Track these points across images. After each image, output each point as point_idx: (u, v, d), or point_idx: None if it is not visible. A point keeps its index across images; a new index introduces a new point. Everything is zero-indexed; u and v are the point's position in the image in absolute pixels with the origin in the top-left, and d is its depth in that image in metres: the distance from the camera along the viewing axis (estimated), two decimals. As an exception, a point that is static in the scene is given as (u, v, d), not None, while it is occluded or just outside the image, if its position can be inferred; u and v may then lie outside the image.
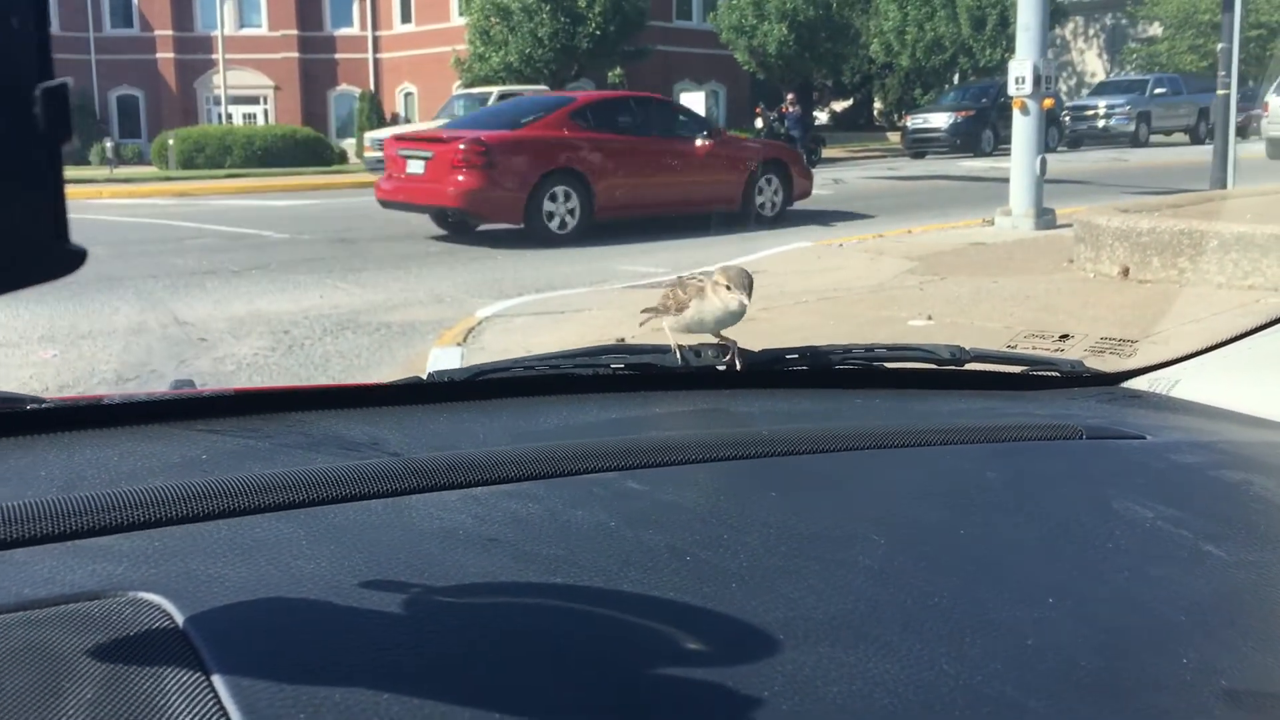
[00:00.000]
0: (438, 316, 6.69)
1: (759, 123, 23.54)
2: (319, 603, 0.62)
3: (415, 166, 10.65)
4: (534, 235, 10.25)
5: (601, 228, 10.51)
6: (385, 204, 11.11)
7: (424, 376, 1.15)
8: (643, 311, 1.25)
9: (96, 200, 17.40)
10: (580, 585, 0.67)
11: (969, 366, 1.24)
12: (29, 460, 0.87)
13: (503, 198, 10.22)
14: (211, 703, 0.52)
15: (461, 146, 10.16)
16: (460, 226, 10.72)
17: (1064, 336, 4.60)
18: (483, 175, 10.13)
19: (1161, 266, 6.87)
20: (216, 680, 0.53)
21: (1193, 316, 5.81)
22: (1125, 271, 7.06)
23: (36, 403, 0.97)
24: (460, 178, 10.11)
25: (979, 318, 6.07)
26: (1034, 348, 4.27)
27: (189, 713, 0.51)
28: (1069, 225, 8.48)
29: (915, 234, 10.07)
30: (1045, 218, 9.88)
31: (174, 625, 0.58)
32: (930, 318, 6.07)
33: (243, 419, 0.99)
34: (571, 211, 10.50)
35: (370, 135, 20.66)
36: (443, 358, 5.53)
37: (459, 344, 5.82)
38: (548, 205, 10.35)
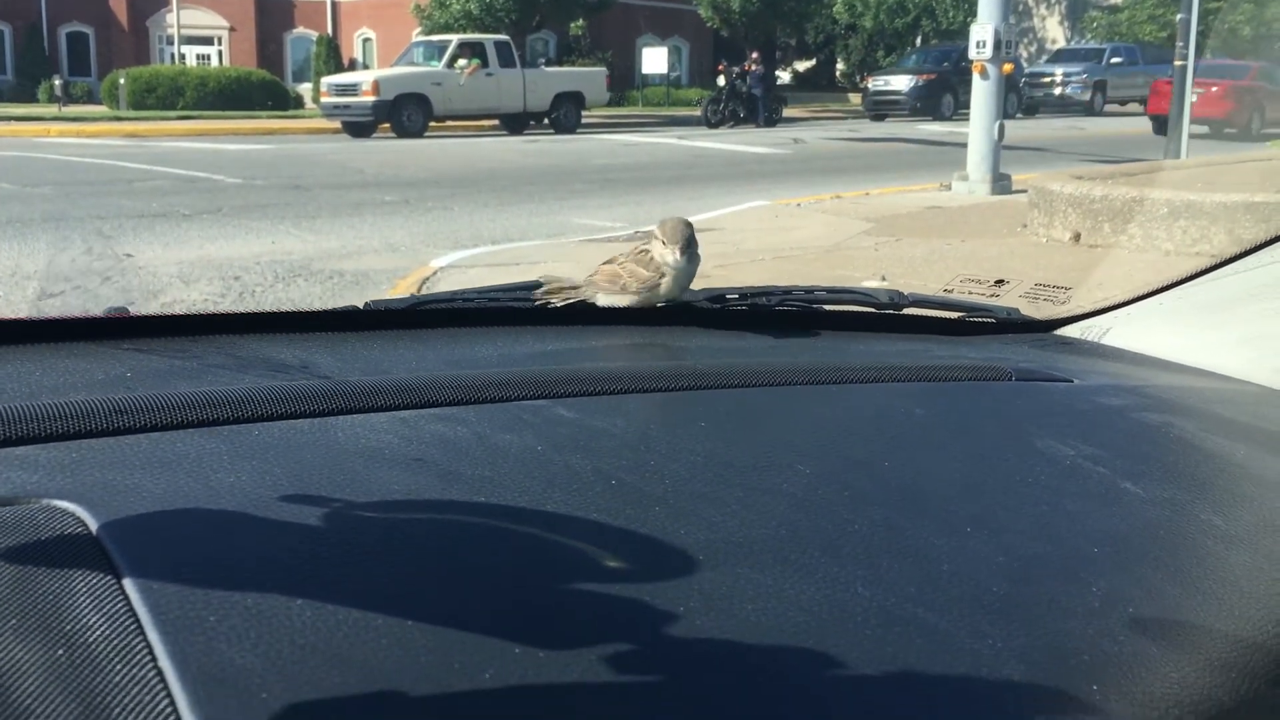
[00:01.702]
0: (392, 265, 6.63)
1: (720, 80, 23.43)
2: (237, 514, 0.62)
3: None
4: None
5: (557, 183, 10.43)
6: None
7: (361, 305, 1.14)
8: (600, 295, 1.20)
9: (45, 139, 16.97)
10: (504, 505, 0.68)
11: (906, 311, 1.26)
12: None
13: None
14: (120, 604, 0.51)
15: None
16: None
17: (999, 282, 4.66)
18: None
19: (1112, 232, 6.96)
20: (127, 583, 0.53)
21: (1135, 280, 5.89)
22: (1077, 237, 7.14)
23: None
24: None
25: (932, 279, 6.12)
26: (970, 293, 4.32)
27: (96, 612, 0.51)
28: (1024, 191, 8.55)
29: (873, 196, 10.11)
30: (1001, 183, 9.95)
31: (87, 532, 0.58)
32: (884, 278, 6.11)
33: (171, 340, 0.97)
34: None
35: (327, 80, 20.32)
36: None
37: (413, 293, 5.77)
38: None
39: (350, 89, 18.77)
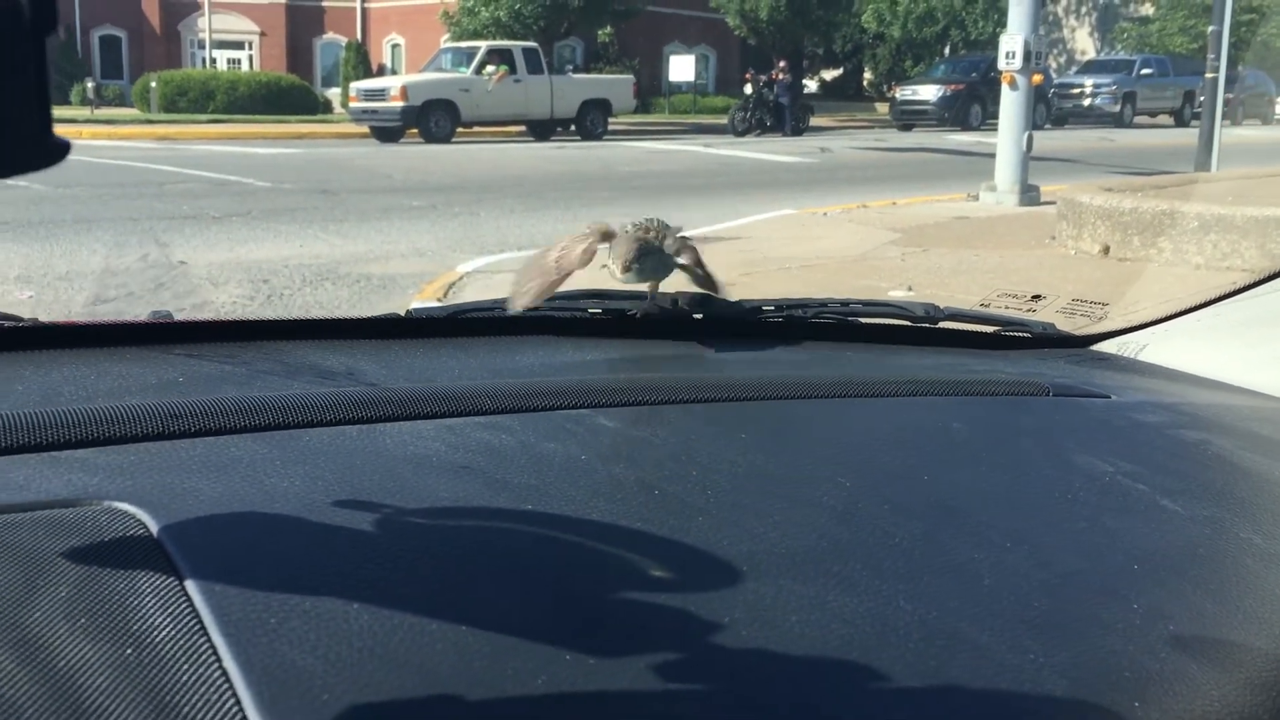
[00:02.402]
0: (418, 270, 6.67)
1: (747, 88, 23.44)
2: (291, 518, 0.63)
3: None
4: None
5: (583, 190, 10.46)
6: None
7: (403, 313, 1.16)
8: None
9: (77, 140, 16.94)
10: (550, 513, 0.69)
11: (942, 324, 1.26)
12: (5, 375, 0.88)
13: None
14: (184, 605, 0.53)
15: None
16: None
17: (1036, 297, 4.66)
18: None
19: (1142, 245, 6.91)
20: (189, 585, 0.54)
21: (1169, 296, 5.86)
22: (1106, 249, 7.10)
23: (14, 320, 0.98)
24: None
25: (959, 290, 6.10)
26: (1007, 307, 4.31)
27: (161, 612, 0.52)
28: (1052, 202, 8.51)
29: (899, 205, 10.08)
30: (1029, 194, 9.90)
31: (148, 534, 0.59)
32: (910, 288, 6.09)
33: (220, 346, 0.99)
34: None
35: (356, 85, 20.44)
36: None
37: (439, 299, 5.80)
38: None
39: (379, 94, 18.88)
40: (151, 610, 0.52)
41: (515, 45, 21.36)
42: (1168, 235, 6.81)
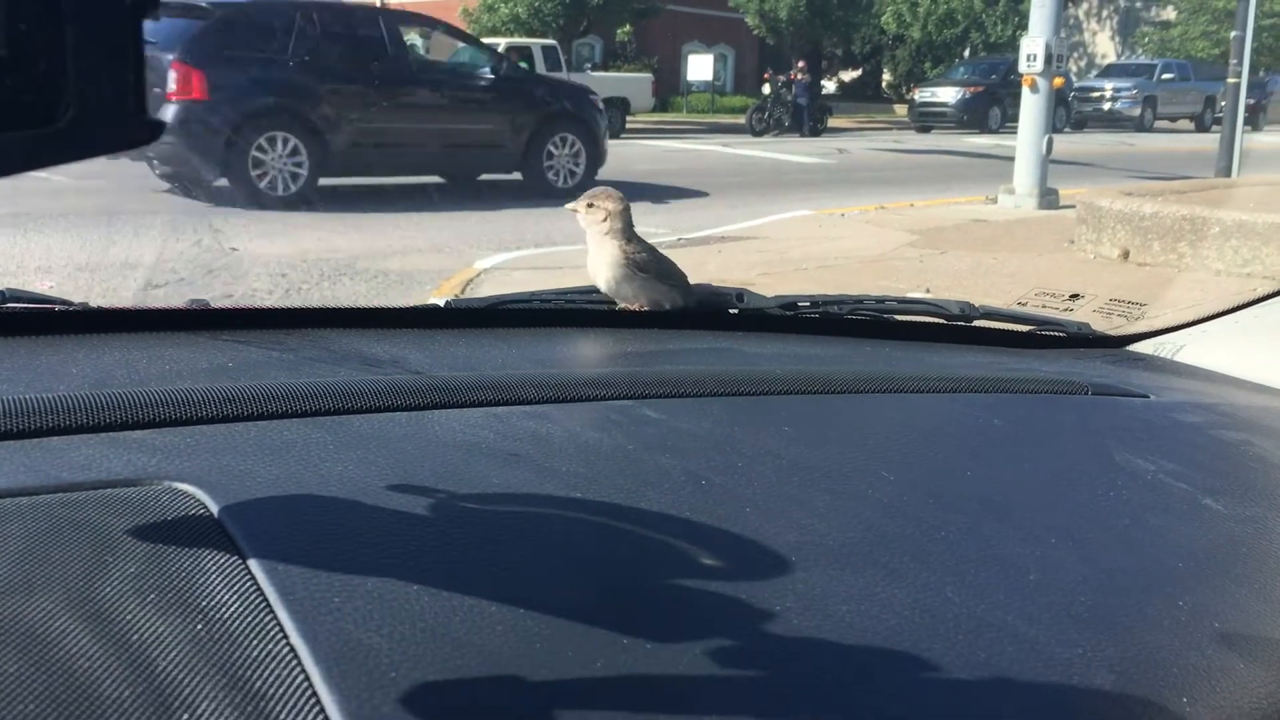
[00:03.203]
0: (436, 266, 6.68)
1: (766, 88, 23.40)
2: (347, 501, 0.64)
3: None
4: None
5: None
6: None
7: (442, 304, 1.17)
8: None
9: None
10: (600, 500, 0.69)
11: (977, 323, 1.26)
12: (59, 358, 0.89)
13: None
14: (249, 583, 0.53)
15: None
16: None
17: (1074, 296, 4.65)
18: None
19: (1162, 251, 6.88)
20: (252, 564, 0.55)
21: (1190, 301, 5.83)
22: (1125, 254, 7.07)
23: (66, 304, 0.99)
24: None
25: (978, 293, 6.09)
26: (1044, 305, 4.31)
27: (227, 590, 0.53)
28: (1072, 206, 8.48)
29: (917, 207, 10.06)
30: (1049, 198, 9.87)
31: (209, 513, 0.60)
32: (929, 290, 6.08)
33: (266, 333, 1.00)
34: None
35: None
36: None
37: (458, 294, 5.82)
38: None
39: None
40: (218, 588, 0.53)
41: (534, 43, 21.33)
42: (1188, 241, 6.78)
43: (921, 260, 7.20)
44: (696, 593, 0.60)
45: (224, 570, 0.54)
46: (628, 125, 21.17)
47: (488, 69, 10.15)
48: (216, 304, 1.13)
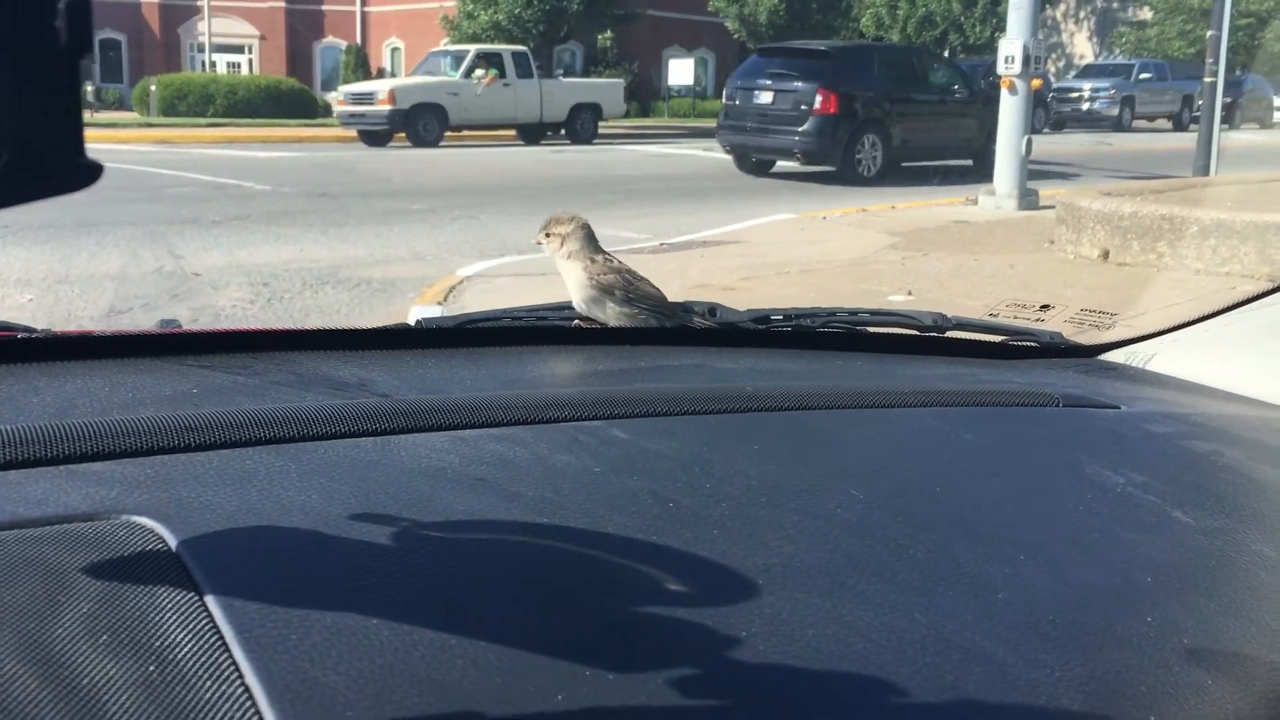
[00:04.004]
0: (418, 274, 6.67)
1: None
2: (309, 532, 0.63)
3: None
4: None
5: (582, 194, 10.47)
6: None
7: (412, 324, 1.16)
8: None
9: (75, 144, 17.04)
10: (566, 526, 0.69)
11: (950, 334, 1.26)
12: (20, 387, 0.88)
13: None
14: (205, 621, 0.53)
15: None
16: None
17: (1045, 306, 4.67)
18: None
19: (1141, 250, 6.92)
20: (209, 600, 0.54)
21: (1168, 300, 5.87)
22: (1105, 254, 7.11)
23: (28, 332, 0.98)
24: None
25: (959, 294, 6.11)
26: (1015, 316, 4.32)
27: (182, 629, 0.52)
28: (1051, 207, 8.52)
29: (899, 209, 10.10)
30: (1028, 198, 9.92)
31: (166, 548, 0.59)
32: (910, 293, 6.10)
33: (232, 356, 0.99)
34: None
35: (344, 89, 20.03)
36: (423, 315, 5.50)
37: (439, 303, 5.81)
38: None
39: (366, 98, 18.56)
40: (173, 626, 0.52)
41: (505, 49, 21.07)
42: (1167, 240, 6.82)
43: (903, 262, 7.22)
44: (661, 620, 0.60)
45: (179, 608, 0.54)
46: (600, 131, 21.04)
47: (957, 85, 14.53)
48: (197, 320, 1.12)
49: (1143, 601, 0.70)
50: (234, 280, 6.25)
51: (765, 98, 13.09)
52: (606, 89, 22.07)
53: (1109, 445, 0.97)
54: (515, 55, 20.52)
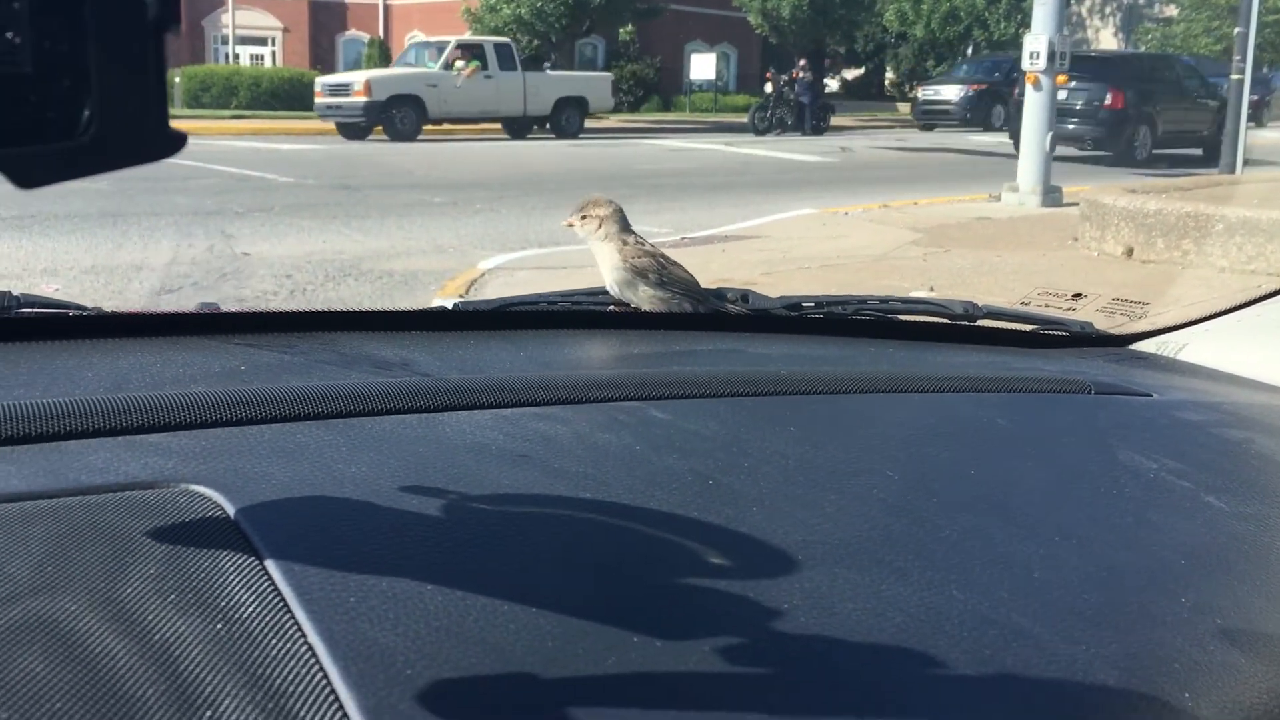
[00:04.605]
0: (440, 267, 6.69)
1: (768, 87, 23.37)
2: (361, 503, 0.65)
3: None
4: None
5: (604, 188, 10.49)
6: None
7: (450, 306, 1.18)
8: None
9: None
10: (609, 501, 0.70)
11: (981, 322, 1.27)
12: (75, 362, 0.90)
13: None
14: (266, 583, 0.54)
15: None
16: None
17: (1076, 296, 4.66)
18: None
19: (1166, 248, 6.88)
20: (269, 564, 0.56)
21: (1193, 298, 5.83)
22: (1129, 251, 7.07)
23: (80, 310, 1.00)
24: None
25: (981, 291, 6.09)
26: (1047, 305, 4.32)
27: (245, 590, 0.54)
28: (1075, 204, 8.48)
29: (921, 205, 10.07)
30: (1052, 195, 9.87)
31: (225, 515, 0.61)
32: (932, 289, 6.08)
33: (276, 336, 1.01)
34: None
35: (321, 80, 19.16)
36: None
37: (461, 295, 5.83)
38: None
39: (343, 89, 17.96)
40: (236, 588, 0.54)
41: (487, 40, 20.56)
42: (1192, 238, 6.78)
43: (925, 258, 7.20)
44: (705, 591, 0.61)
45: (241, 571, 0.55)
46: (586, 126, 20.49)
47: (1198, 87, 17.20)
48: (226, 307, 1.15)
49: (1177, 583, 0.71)
50: (257, 272, 6.30)
51: (1060, 94, 15.69)
52: (593, 82, 21.52)
53: (1141, 432, 0.97)
54: (498, 47, 20.02)
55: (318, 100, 18.88)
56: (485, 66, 19.31)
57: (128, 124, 0.39)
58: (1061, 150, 15.04)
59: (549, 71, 21.82)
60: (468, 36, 21.71)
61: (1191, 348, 1.28)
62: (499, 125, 19.85)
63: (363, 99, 17.64)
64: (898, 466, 0.82)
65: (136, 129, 0.39)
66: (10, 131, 0.37)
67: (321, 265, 6.56)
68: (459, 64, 19.03)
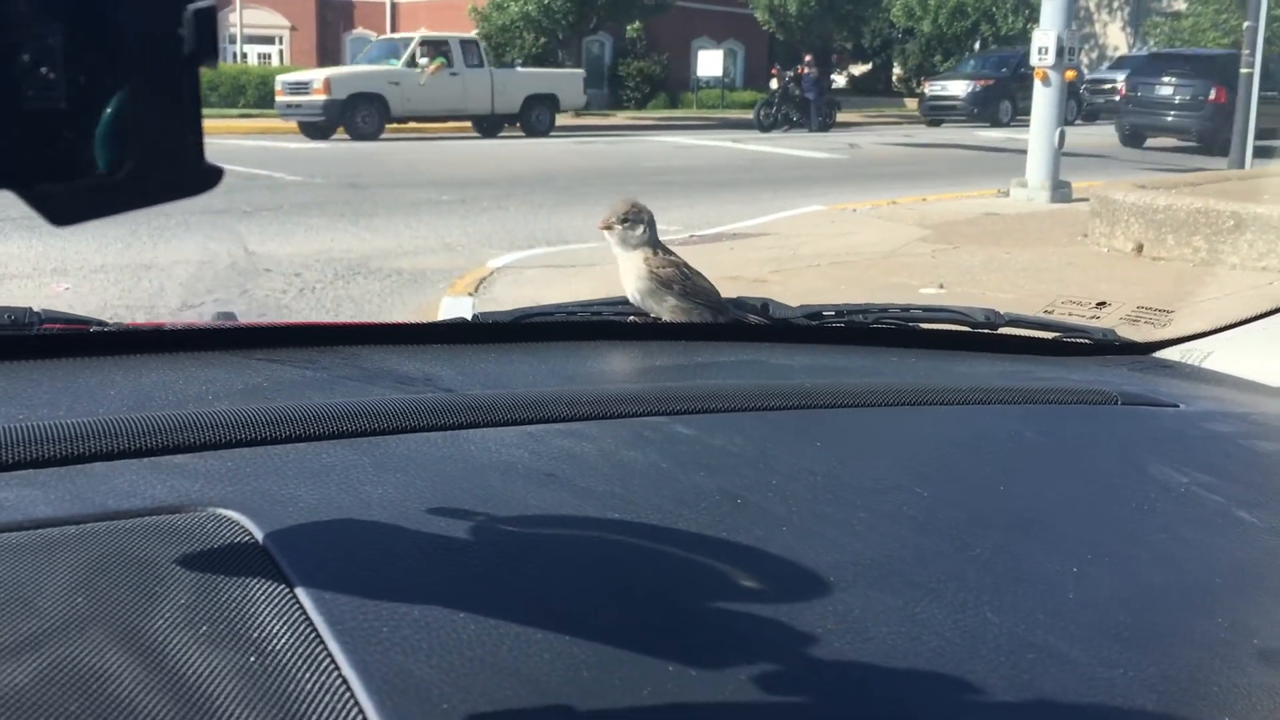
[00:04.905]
0: (449, 265, 6.69)
1: (774, 83, 23.31)
2: (389, 526, 0.64)
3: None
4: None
5: (612, 185, 10.48)
6: None
7: (469, 317, 1.17)
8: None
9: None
10: (637, 522, 0.69)
11: (1002, 330, 1.26)
12: (97, 380, 0.89)
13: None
14: (298, 613, 0.54)
15: None
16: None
17: (1100, 304, 4.63)
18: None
19: (1176, 244, 6.85)
20: (300, 593, 0.55)
21: (1206, 296, 5.81)
22: (1139, 248, 7.04)
23: (100, 325, 0.99)
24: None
25: (990, 288, 6.07)
26: (1070, 314, 4.30)
27: (277, 620, 0.53)
28: (1084, 199, 8.45)
29: (929, 201, 10.04)
30: (1061, 191, 9.83)
31: (254, 540, 0.61)
32: (942, 286, 6.07)
33: (297, 351, 1.01)
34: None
35: (282, 78, 18.33)
36: (454, 306, 5.55)
37: (470, 294, 5.83)
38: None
39: (302, 88, 17.39)
40: (268, 618, 0.53)
41: (453, 36, 19.81)
42: (1203, 234, 6.74)
43: (934, 255, 7.18)
44: (739, 616, 0.61)
45: (273, 600, 0.55)
46: (557, 124, 19.89)
47: None
48: (239, 310, 1.14)
49: (1213, 602, 0.70)
50: (265, 270, 6.30)
51: (1165, 90, 17.82)
52: (564, 79, 20.82)
53: (1170, 444, 0.96)
54: (464, 43, 19.47)
55: (278, 99, 18.22)
56: (450, 64, 18.75)
57: (163, 159, 0.38)
58: (1154, 142, 17.82)
59: (518, 69, 21.33)
60: (433, 33, 20.77)
61: (1217, 355, 1.27)
62: (469, 124, 19.30)
63: (322, 97, 17.12)
64: (926, 482, 0.81)
65: (172, 164, 0.38)
66: (45, 168, 0.36)
67: (330, 264, 6.56)
68: (422, 61, 18.45)
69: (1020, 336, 1.29)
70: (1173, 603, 0.69)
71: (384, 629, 0.53)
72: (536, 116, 19.55)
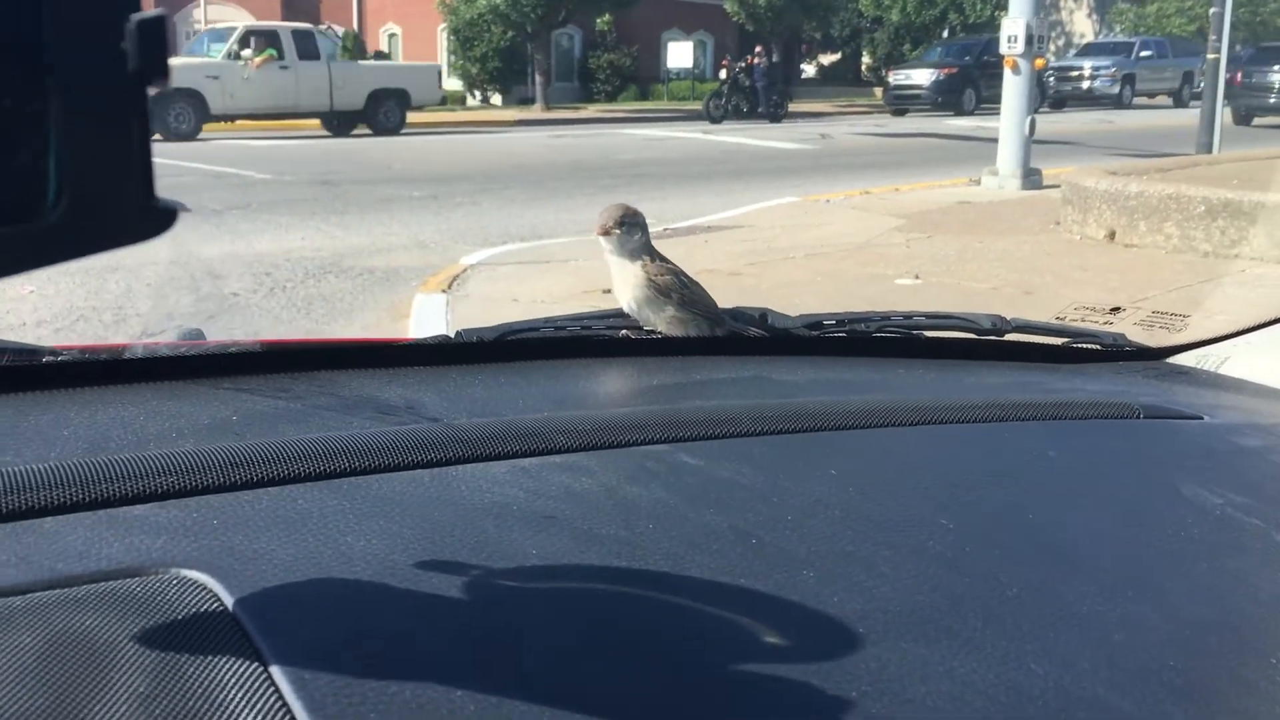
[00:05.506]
0: (422, 262, 6.61)
1: (723, 74, 23.22)
2: (374, 584, 0.58)
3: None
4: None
5: (585, 179, 10.41)
6: None
7: (451, 334, 1.10)
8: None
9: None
10: (647, 570, 0.63)
11: (1009, 337, 1.21)
12: (49, 418, 0.82)
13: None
14: (273, 698, 0.47)
15: None
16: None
17: (1114, 309, 4.59)
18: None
19: (1148, 231, 6.85)
20: (275, 671, 0.49)
21: (1181, 283, 5.81)
22: (1112, 235, 7.04)
23: (53, 355, 0.92)
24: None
25: (965, 277, 6.05)
26: (1084, 320, 4.27)
27: (248, 708, 0.47)
28: (1056, 186, 8.46)
29: (902, 191, 10.03)
30: (1032, 178, 9.85)
31: (223, 608, 0.54)
32: (917, 276, 6.04)
33: (269, 377, 0.93)
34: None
35: None
36: (427, 304, 5.47)
37: (444, 290, 5.75)
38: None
39: None
40: (239, 705, 0.47)
41: (283, 26, 18.35)
42: (1174, 220, 6.75)
43: (908, 245, 7.16)
44: (762, 678, 0.55)
45: (243, 683, 0.48)
46: (409, 120, 18.60)
47: None
48: (193, 315, 1.07)
49: (1263, 640, 0.65)
50: (236, 270, 6.19)
51: (1274, 78, 20.69)
52: (415, 73, 19.25)
53: (1199, 461, 0.91)
54: (296, 34, 17.81)
55: None
56: (281, 56, 17.17)
57: (104, 200, 0.32)
58: (1260, 121, 20.40)
59: (360, 62, 19.97)
60: (260, 23, 18.99)
61: (1234, 360, 1.22)
62: (318, 121, 17.96)
63: None
64: (950, 513, 0.76)
65: (115, 206, 0.32)
66: None
67: (301, 262, 6.46)
68: (247, 53, 16.94)
69: (1028, 343, 1.24)
70: (1223, 643, 0.64)
71: (372, 715, 0.47)
72: (385, 113, 18.15)
